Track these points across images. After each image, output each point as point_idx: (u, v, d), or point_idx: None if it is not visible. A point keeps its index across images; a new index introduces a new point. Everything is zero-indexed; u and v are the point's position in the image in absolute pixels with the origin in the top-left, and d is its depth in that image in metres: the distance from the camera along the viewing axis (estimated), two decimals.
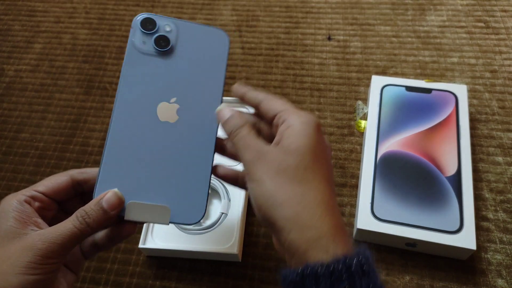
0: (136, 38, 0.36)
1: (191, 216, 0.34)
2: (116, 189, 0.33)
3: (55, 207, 0.35)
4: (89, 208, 0.32)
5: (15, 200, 0.32)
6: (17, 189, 0.56)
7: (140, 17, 0.37)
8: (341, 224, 0.29)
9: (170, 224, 0.49)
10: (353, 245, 0.28)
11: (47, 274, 0.30)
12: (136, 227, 0.35)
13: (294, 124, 0.32)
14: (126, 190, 0.33)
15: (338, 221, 0.29)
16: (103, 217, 0.32)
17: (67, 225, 0.31)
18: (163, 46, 0.37)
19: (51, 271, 0.31)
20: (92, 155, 0.59)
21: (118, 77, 0.65)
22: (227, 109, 0.35)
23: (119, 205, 0.32)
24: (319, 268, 0.26)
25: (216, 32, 0.38)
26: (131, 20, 0.73)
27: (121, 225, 0.34)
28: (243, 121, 0.34)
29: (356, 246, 0.28)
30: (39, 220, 0.32)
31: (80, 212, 0.32)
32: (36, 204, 0.33)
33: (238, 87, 0.37)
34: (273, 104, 0.35)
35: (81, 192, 0.37)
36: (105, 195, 0.32)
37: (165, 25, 0.37)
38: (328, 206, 0.29)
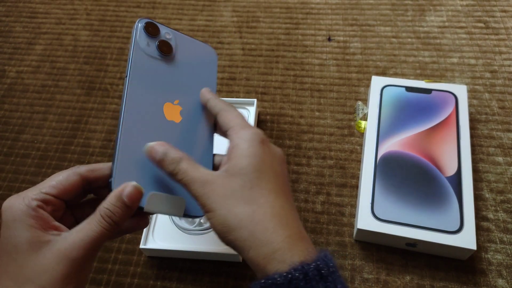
0: (141, 40, 0.37)
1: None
2: (134, 182, 0.32)
3: (64, 207, 0.34)
4: (112, 205, 0.31)
5: (25, 205, 0.30)
6: (18, 190, 0.56)
7: (143, 21, 0.38)
8: (298, 233, 0.30)
9: (171, 225, 0.50)
10: (313, 252, 0.29)
11: (85, 278, 0.31)
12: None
13: (239, 143, 0.33)
14: (141, 183, 0.33)
15: (293, 230, 0.30)
16: (126, 213, 0.31)
17: (94, 227, 0.30)
18: (166, 51, 0.38)
19: (88, 275, 0.31)
20: (93, 156, 0.59)
21: (119, 78, 0.66)
22: (157, 145, 0.33)
23: (139, 198, 0.32)
24: (278, 279, 0.27)
25: (206, 47, 0.42)
26: (132, 22, 0.74)
27: (139, 217, 0.35)
28: (178, 154, 0.32)
29: (316, 252, 0.29)
30: (57, 224, 0.31)
31: (104, 211, 0.31)
32: (49, 208, 0.32)
33: (204, 93, 0.38)
34: (226, 118, 0.35)
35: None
36: (124, 190, 0.31)
37: (165, 32, 0.39)
38: (281, 218, 0.30)
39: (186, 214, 0.35)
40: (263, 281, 0.27)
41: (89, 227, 0.30)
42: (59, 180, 0.33)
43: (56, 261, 0.29)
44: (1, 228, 0.30)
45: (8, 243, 0.30)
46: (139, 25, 0.37)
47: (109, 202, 0.31)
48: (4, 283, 0.29)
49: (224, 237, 0.30)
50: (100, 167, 0.35)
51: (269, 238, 0.29)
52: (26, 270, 0.29)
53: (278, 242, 0.28)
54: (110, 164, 0.34)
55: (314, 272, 0.27)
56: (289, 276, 0.26)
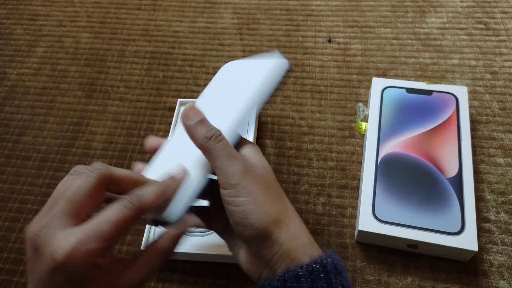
0: None
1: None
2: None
3: None
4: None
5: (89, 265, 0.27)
6: (19, 192, 0.56)
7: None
8: (310, 233, 0.33)
9: None
10: (321, 250, 0.32)
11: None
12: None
13: (248, 146, 0.35)
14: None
15: (308, 231, 0.33)
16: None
17: (155, 263, 0.32)
18: None
19: None
20: (94, 158, 0.59)
21: (120, 80, 0.66)
22: (193, 109, 0.33)
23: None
24: (299, 270, 0.29)
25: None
26: (132, 24, 0.74)
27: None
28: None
29: (326, 251, 0.32)
30: (105, 264, 0.30)
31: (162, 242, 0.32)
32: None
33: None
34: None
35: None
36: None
37: None
38: (300, 219, 0.33)
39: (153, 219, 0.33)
40: (282, 273, 0.30)
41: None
42: (108, 233, 0.28)
43: None
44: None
45: None
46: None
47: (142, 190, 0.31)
48: None
49: (259, 226, 0.30)
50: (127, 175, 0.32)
51: (299, 233, 0.31)
52: None
53: (305, 238, 0.31)
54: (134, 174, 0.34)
55: (332, 266, 0.30)
56: (311, 267, 0.29)
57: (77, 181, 0.29)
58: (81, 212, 0.28)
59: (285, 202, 0.33)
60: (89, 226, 0.27)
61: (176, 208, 0.33)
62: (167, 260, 0.32)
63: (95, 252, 0.26)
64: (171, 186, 0.33)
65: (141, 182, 0.32)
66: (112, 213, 0.28)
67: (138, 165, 0.37)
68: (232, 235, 0.35)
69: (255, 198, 0.31)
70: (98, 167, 0.30)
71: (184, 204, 0.33)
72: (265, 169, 0.33)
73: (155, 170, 0.36)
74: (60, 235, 0.26)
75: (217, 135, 0.32)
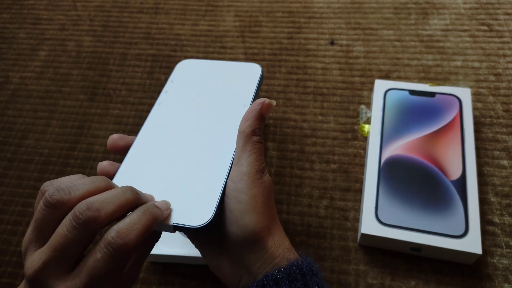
0: None
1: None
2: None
3: None
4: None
5: None
6: (21, 195, 0.56)
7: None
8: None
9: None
10: (300, 254, 0.34)
11: None
12: None
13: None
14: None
15: (288, 240, 0.34)
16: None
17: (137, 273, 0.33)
18: None
19: None
20: (96, 161, 0.59)
21: (122, 84, 0.66)
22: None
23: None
24: (277, 274, 0.30)
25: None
26: (134, 27, 0.74)
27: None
28: None
29: (302, 254, 0.34)
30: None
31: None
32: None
33: None
34: None
35: None
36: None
37: None
38: (283, 229, 0.35)
39: (177, 225, 0.32)
40: (262, 276, 0.31)
41: None
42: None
43: None
44: None
45: None
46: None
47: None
48: None
49: (253, 229, 0.31)
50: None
51: (283, 240, 0.33)
52: None
53: (287, 245, 0.33)
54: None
55: (307, 268, 0.31)
56: (288, 270, 0.31)
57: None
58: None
59: (275, 213, 0.34)
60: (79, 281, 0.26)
61: (208, 208, 0.32)
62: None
63: None
64: (158, 216, 0.30)
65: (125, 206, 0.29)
66: (94, 265, 0.26)
67: (104, 165, 0.35)
68: (213, 242, 0.35)
69: (257, 202, 0.32)
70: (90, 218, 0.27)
71: (217, 201, 0.33)
72: (270, 182, 0.34)
73: (130, 175, 0.35)
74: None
75: (261, 138, 0.34)
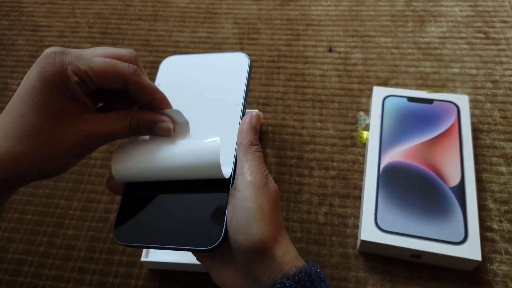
0: None
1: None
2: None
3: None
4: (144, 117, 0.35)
5: (68, 78, 0.31)
6: (19, 202, 0.56)
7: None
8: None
9: None
10: (306, 260, 0.34)
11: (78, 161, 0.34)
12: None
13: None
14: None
15: (295, 247, 0.34)
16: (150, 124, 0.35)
17: (120, 127, 0.33)
18: None
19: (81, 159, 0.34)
20: (94, 168, 0.59)
21: None
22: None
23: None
24: (286, 281, 0.30)
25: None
26: (133, 34, 0.74)
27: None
28: None
29: (309, 260, 0.33)
30: (87, 101, 0.33)
31: (133, 121, 0.34)
32: (83, 87, 0.33)
33: None
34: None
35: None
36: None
37: None
38: (289, 237, 0.35)
39: (189, 249, 0.33)
40: (280, 282, 0.31)
41: (115, 124, 0.33)
42: (105, 71, 0.33)
43: (74, 135, 0.31)
44: (31, 80, 0.32)
45: (36, 101, 0.31)
46: None
47: (141, 114, 0.35)
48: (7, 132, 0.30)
49: (260, 238, 0.31)
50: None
51: (291, 248, 0.33)
52: (30, 129, 0.30)
53: (294, 253, 0.33)
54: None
55: (315, 274, 0.31)
56: (297, 277, 0.30)
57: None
58: None
59: (282, 221, 0.34)
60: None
61: (217, 227, 0.33)
62: (135, 132, 0.35)
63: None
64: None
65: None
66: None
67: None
68: (218, 254, 0.35)
69: (263, 210, 0.31)
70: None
71: (225, 220, 0.33)
72: (275, 189, 0.34)
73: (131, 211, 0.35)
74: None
75: (259, 147, 0.35)
